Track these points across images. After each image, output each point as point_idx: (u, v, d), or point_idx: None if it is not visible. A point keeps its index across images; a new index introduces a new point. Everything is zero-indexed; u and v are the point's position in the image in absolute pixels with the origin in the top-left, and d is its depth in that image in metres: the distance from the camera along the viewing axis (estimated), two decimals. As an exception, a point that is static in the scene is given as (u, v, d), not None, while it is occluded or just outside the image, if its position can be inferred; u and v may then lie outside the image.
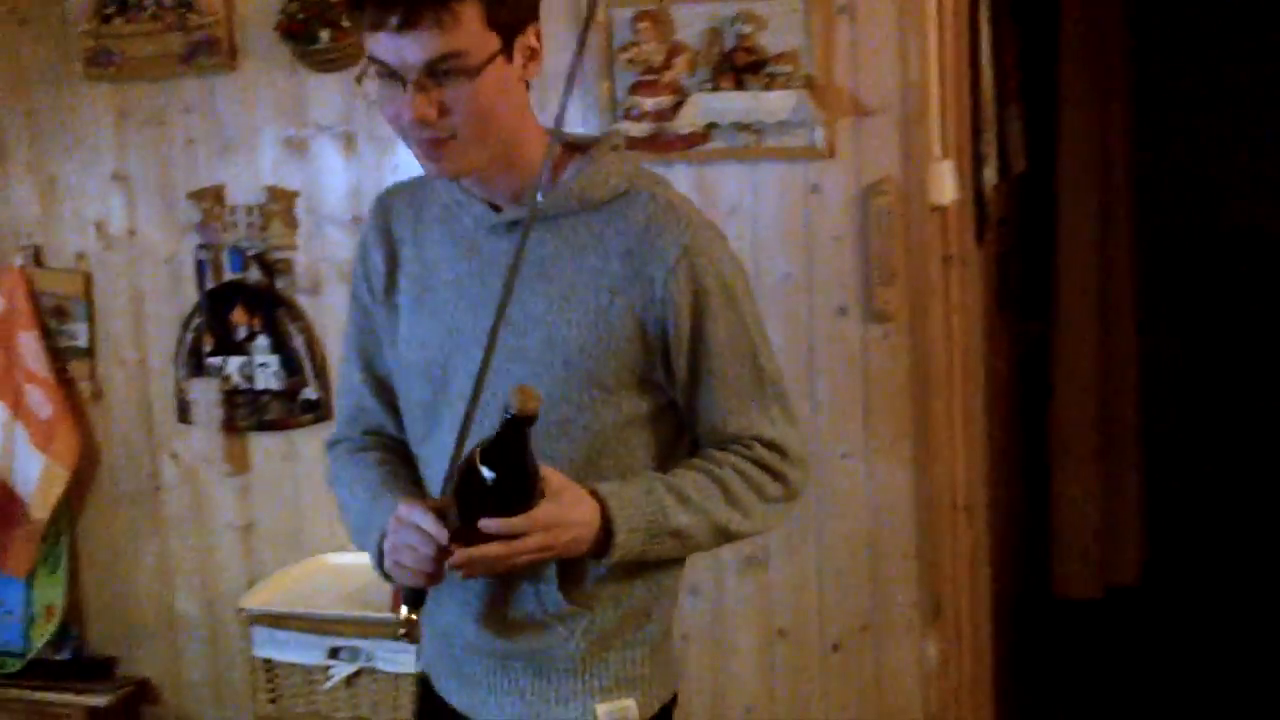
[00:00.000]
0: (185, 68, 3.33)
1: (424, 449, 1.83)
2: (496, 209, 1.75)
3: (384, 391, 1.90)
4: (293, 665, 3.10)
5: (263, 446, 3.47)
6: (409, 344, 1.81)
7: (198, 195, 3.40)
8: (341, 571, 3.35)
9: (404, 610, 1.70)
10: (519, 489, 1.62)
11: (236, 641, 3.32)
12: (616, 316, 1.71)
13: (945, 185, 2.89)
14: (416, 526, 1.63)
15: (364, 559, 3.25)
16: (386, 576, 1.77)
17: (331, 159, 3.31)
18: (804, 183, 3.00)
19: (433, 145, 1.66)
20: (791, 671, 3.21)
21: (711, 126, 3.00)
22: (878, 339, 3.02)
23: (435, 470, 1.76)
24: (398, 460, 1.88)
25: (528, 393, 1.54)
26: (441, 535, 1.62)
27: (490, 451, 1.59)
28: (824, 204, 3.00)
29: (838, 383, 3.06)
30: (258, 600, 3.20)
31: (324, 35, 3.16)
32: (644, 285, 1.70)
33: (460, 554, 1.62)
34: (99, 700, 3.52)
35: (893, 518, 3.09)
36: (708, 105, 2.97)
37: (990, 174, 3.30)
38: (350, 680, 3.05)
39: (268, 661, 3.12)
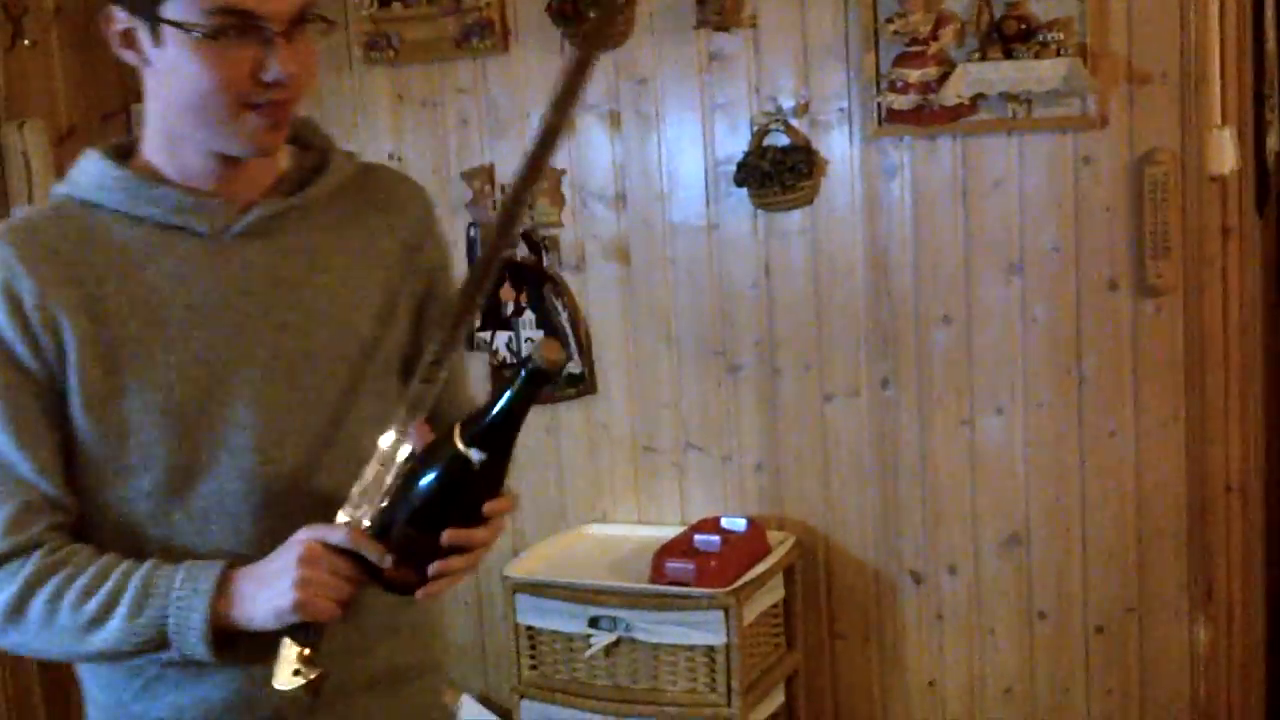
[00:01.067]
0: (459, 50, 3.44)
1: (166, 525, 1.49)
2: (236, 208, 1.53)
3: (68, 476, 1.49)
4: (554, 633, 3.17)
5: (528, 420, 3.54)
6: (138, 395, 1.46)
7: (469, 174, 3.51)
8: (602, 542, 3.42)
9: (296, 654, 1.39)
10: (499, 475, 1.43)
11: (500, 608, 3.41)
12: (396, 293, 1.60)
13: (1225, 154, 2.80)
14: (338, 549, 1.38)
15: (627, 530, 3.39)
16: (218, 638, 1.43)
17: (597, 137, 3.38)
18: (1074, 153, 2.94)
19: (283, 109, 1.46)
20: (1052, 654, 3.15)
21: (979, 98, 2.96)
22: (1149, 314, 2.94)
23: (189, 543, 1.48)
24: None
25: (553, 344, 1.41)
26: (384, 558, 1.39)
27: (488, 426, 1.40)
28: (1095, 175, 2.94)
29: (1106, 358, 3.00)
30: (521, 569, 3.28)
31: (592, 16, 3.23)
32: (410, 254, 1.63)
33: (438, 566, 1.39)
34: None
35: (1162, 498, 3.01)
36: (975, 76, 2.94)
37: (1274, 142, 3.17)
38: (609, 649, 3.10)
39: (530, 629, 3.20)
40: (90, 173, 1.52)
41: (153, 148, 1.51)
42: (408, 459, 1.44)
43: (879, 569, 3.27)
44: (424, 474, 1.40)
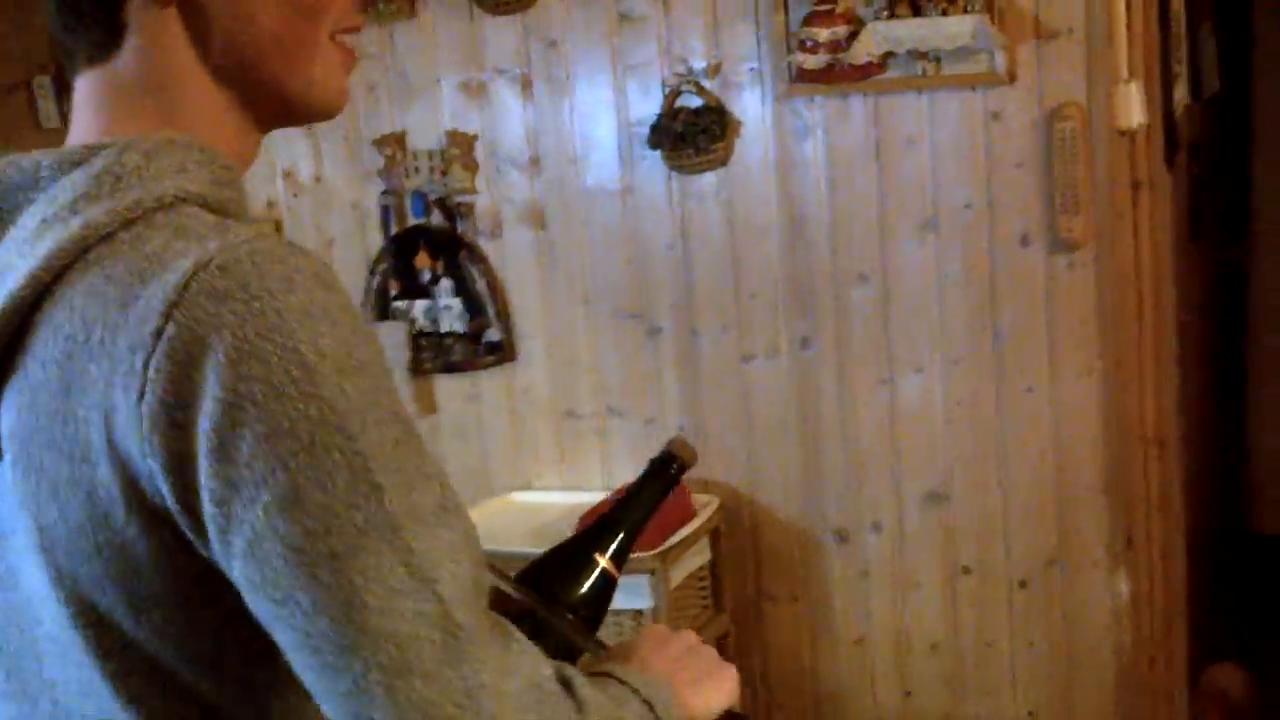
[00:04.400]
0: (366, 16, 3.37)
1: None
2: None
3: None
4: (481, 600, 3.16)
5: (448, 388, 3.54)
6: None
7: (380, 142, 3.46)
8: (527, 510, 3.41)
9: None
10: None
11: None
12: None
13: (1133, 108, 2.80)
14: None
15: (552, 497, 3.37)
16: None
17: (509, 101, 3.34)
18: (984, 110, 2.94)
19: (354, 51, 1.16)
20: (977, 608, 3.17)
21: (888, 55, 2.95)
22: (1063, 268, 2.95)
23: None
24: None
25: (684, 440, 1.43)
26: None
27: (624, 537, 1.35)
28: (1005, 131, 2.93)
29: (1021, 314, 3.00)
30: (446, 537, 3.26)
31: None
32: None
33: None
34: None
35: (1081, 451, 3.03)
36: (884, 33, 2.92)
37: (1181, 95, 3.18)
38: (537, 615, 3.09)
39: (457, 597, 3.19)
40: (215, 164, 1.05)
41: (185, 118, 1.07)
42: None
43: (803, 529, 3.27)
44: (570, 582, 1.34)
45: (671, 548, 3.04)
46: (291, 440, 0.91)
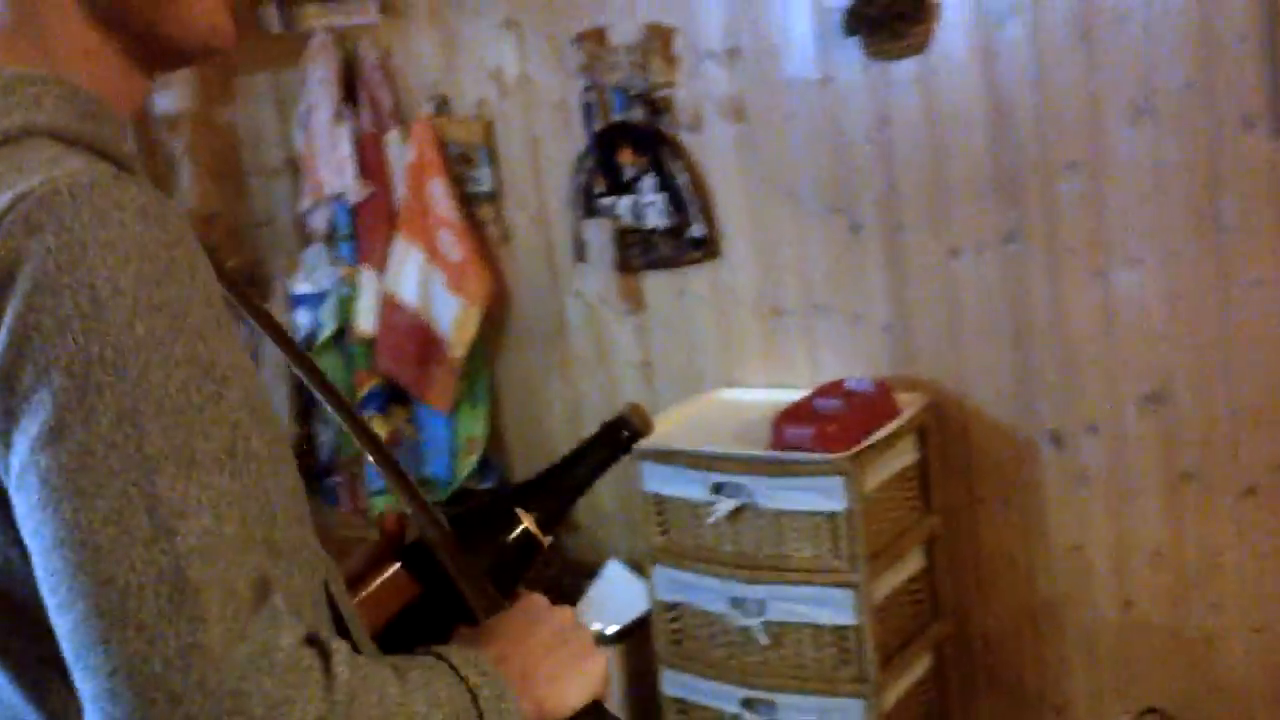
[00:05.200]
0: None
1: None
2: None
3: None
4: (680, 500, 3.15)
5: (656, 284, 3.51)
6: None
7: (581, 37, 3.42)
8: (731, 407, 3.37)
9: None
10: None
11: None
12: None
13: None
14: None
15: (758, 395, 3.32)
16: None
17: (707, -10, 3.25)
18: (1199, -19, 2.70)
19: None
20: (1201, 517, 2.98)
21: (1095, -74, 2.73)
22: (1290, 153, 2.70)
23: None
24: None
25: (641, 407, 1.35)
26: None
27: (558, 500, 1.29)
28: (1223, 2, 2.69)
29: (1245, 201, 2.77)
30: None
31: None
32: None
33: None
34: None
35: (1312, 350, 2.80)
36: (1090, -97, 2.71)
37: None
38: (734, 515, 3.07)
39: (657, 496, 3.19)
40: (78, 99, 1.04)
41: (59, 60, 1.05)
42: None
43: (1015, 430, 3.13)
44: (485, 539, 1.28)
45: (866, 449, 2.96)
46: (65, 375, 0.89)
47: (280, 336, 1.31)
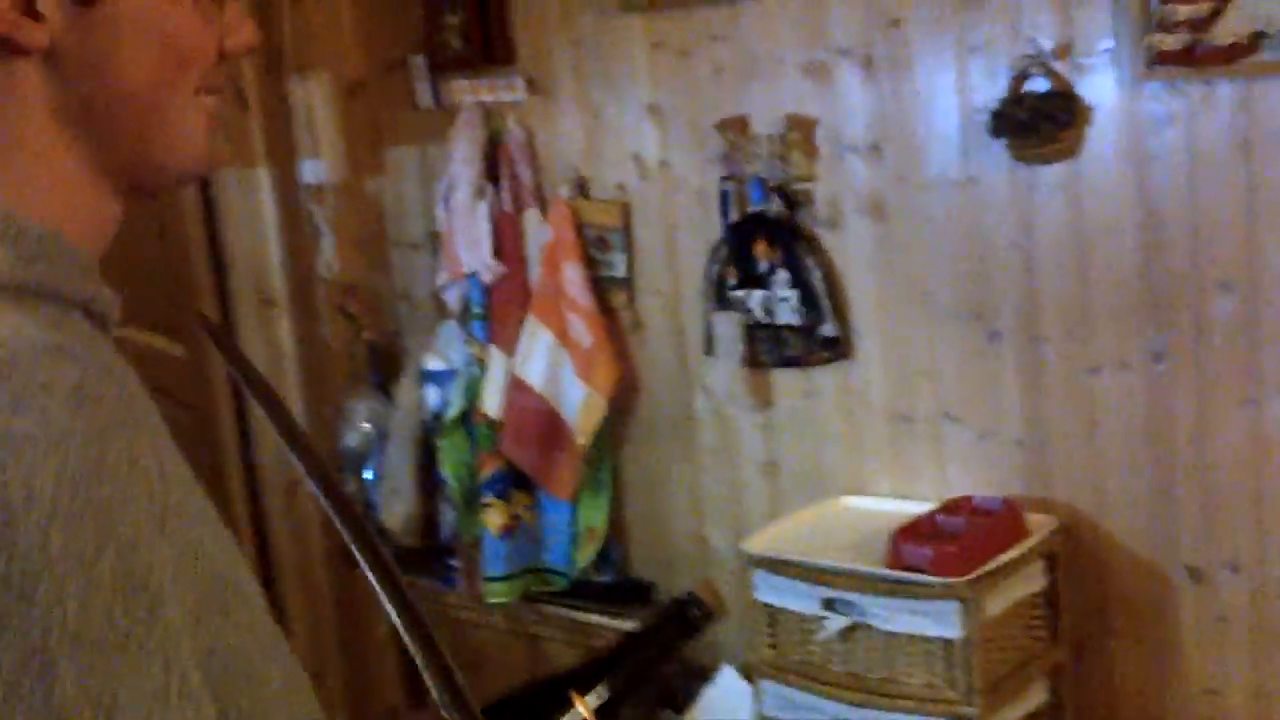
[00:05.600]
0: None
1: None
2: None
3: None
4: (790, 612, 3.02)
5: (784, 383, 3.39)
6: None
7: (723, 125, 3.34)
8: (854, 515, 3.23)
9: None
10: None
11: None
12: None
13: None
14: None
15: (883, 504, 3.17)
16: None
17: (850, 84, 3.14)
18: (1370, 97, 2.51)
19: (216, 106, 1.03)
20: (1354, 670, 2.75)
21: (1259, 36, 2.56)
22: None
23: None
24: None
25: (713, 585, 1.24)
26: None
27: (618, 685, 1.17)
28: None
29: None
30: (762, 542, 3.13)
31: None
32: None
33: None
34: (633, 624, 3.59)
35: None
36: (1255, 10, 2.53)
37: None
38: (845, 634, 2.92)
39: (768, 607, 3.06)
40: (24, 237, 0.91)
41: (26, 184, 0.93)
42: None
43: (1152, 561, 2.93)
44: None
45: (988, 574, 2.79)
46: None
47: (290, 432, 1.21)
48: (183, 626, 0.80)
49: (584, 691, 1.16)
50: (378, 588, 1.08)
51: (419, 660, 1.06)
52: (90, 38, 0.92)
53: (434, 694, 1.06)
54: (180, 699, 0.78)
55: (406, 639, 1.08)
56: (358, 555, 1.08)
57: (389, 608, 1.09)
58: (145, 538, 0.79)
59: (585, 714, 1.15)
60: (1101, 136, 2.81)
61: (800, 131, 3.22)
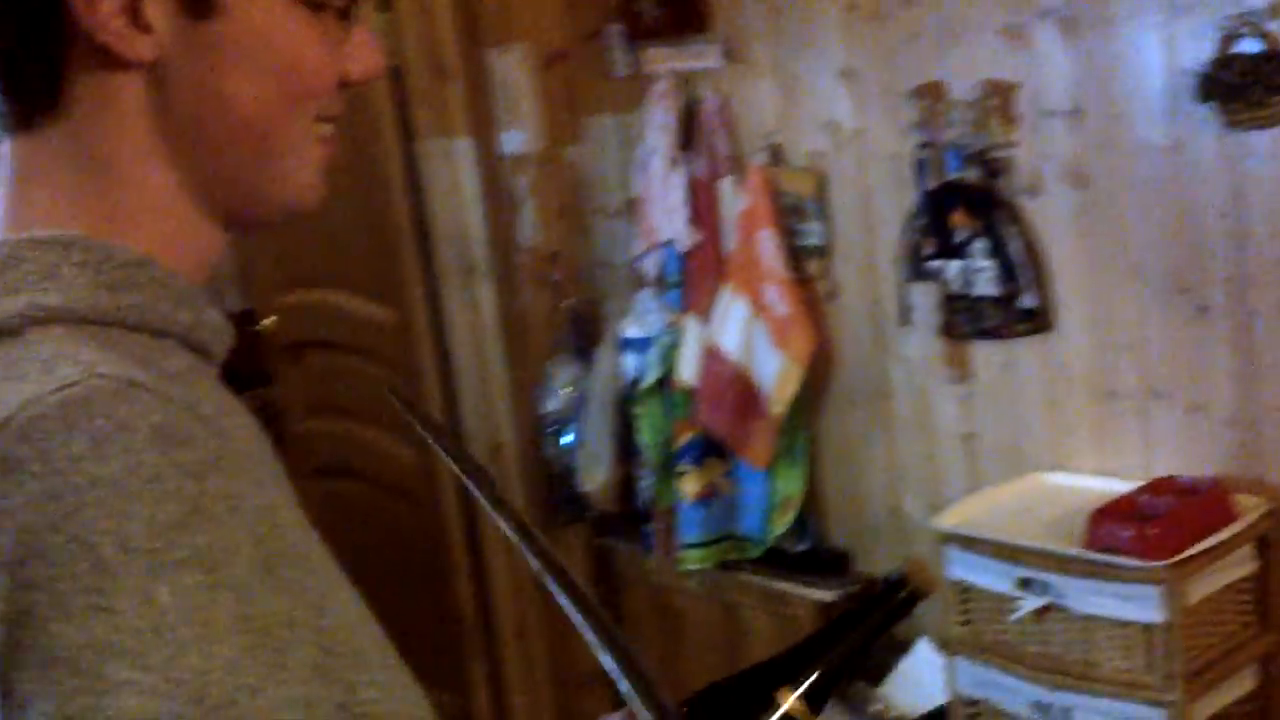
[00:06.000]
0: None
1: None
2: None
3: None
4: (984, 590, 2.96)
5: (982, 354, 3.31)
6: None
7: (919, 91, 3.26)
8: (1054, 492, 3.14)
9: None
10: None
11: (944, 555, 3.22)
12: None
13: None
14: None
15: (1086, 481, 3.08)
16: None
17: (1052, 47, 3.03)
18: None
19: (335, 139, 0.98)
20: None
21: None
22: None
23: None
24: None
25: (923, 563, 1.16)
26: None
27: (825, 675, 1.09)
28: None
29: None
30: (957, 518, 3.07)
31: None
32: None
33: None
34: (828, 594, 3.58)
35: None
36: None
37: None
38: (1039, 614, 2.85)
39: (962, 584, 3.00)
40: (108, 263, 0.86)
41: (126, 210, 0.89)
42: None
43: (1371, 547, 2.79)
44: None
45: (1192, 557, 2.69)
46: (71, 673, 0.68)
47: (449, 446, 1.18)
48: (312, 677, 0.75)
49: (791, 685, 1.09)
50: (578, 619, 1.05)
51: (596, 647, 1.02)
52: (202, 55, 0.86)
53: (630, 702, 1.03)
54: None
55: (596, 640, 1.04)
56: (563, 599, 1.05)
57: (590, 636, 1.05)
58: (257, 580, 0.74)
59: (794, 712, 1.09)
60: (1318, 100, 2.66)
61: (999, 97, 3.12)
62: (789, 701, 1.08)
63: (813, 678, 1.10)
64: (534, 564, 1.07)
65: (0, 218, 0.89)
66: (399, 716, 0.86)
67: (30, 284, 0.82)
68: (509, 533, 1.09)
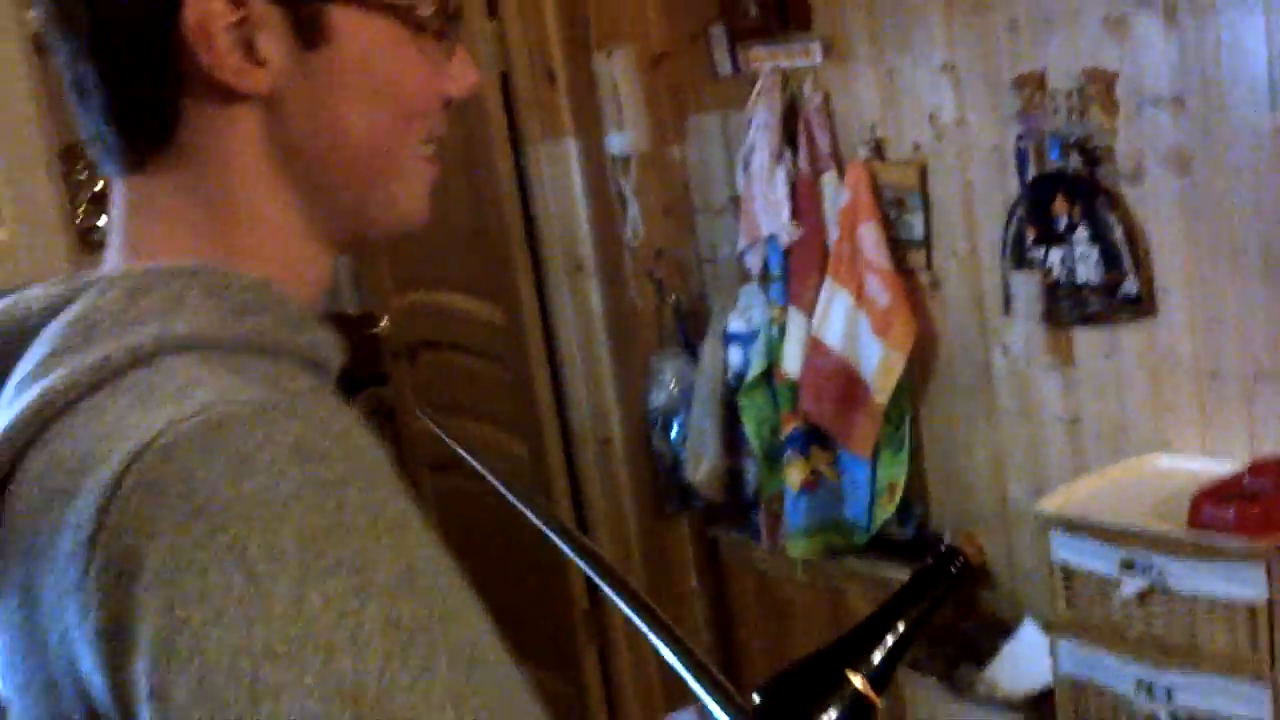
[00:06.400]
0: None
1: None
2: None
3: None
4: (1088, 572, 2.99)
5: (1085, 341, 3.35)
6: None
7: (1019, 81, 3.31)
8: (1160, 475, 3.17)
9: None
10: None
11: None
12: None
13: None
14: None
15: (1191, 463, 3.11)
16: None
17: (1152, 34, 3.07)
18: None
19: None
20: None
21: None
22: None
23: None
24: None
25: (974, 536, 1.24)
26: None
27: (889, 652, 1.16)
28: None
29: None
30: (1061, 501, 3.12)
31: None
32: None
33: None
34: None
35: None
36: None
37: None
38: (1143, 595, 2.89)
39: (1065, 566, 3.04)
40: (230, 290, 0.90)
41: (238, 231, 0.93)
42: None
43: None
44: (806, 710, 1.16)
45: (1298, 534, 2.71)
46: (232, 683, 0.71)
47: (530, 502, 1.27)
48: (461, 675, 0.77)
49: (856, 665, 1.16)
50: (634, 618, 1.13)
51: (662, 650, 1.09)
52: (313, 84, 0.90)
53: (700, 697, 1.09)
54: None
55: (665, 651, 1.11)
56: (618, 600, 1.14)
57: (649, 634, 1.12)
58: (404, 586, 0.76)
59: (863, 689, 1.15)
60: None
61: (1099, 85, 3.16)
62: (857, 681, 1.15)
63: (875, 658, 1.17)
64: (584, 567, 1.15)
65: (117, 254, 0.93)
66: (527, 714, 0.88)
67: (158, 313, 0.85)
68: (560, 544, 1.17)
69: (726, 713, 1.10)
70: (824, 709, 1.14)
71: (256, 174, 0.91)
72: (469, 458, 1.24)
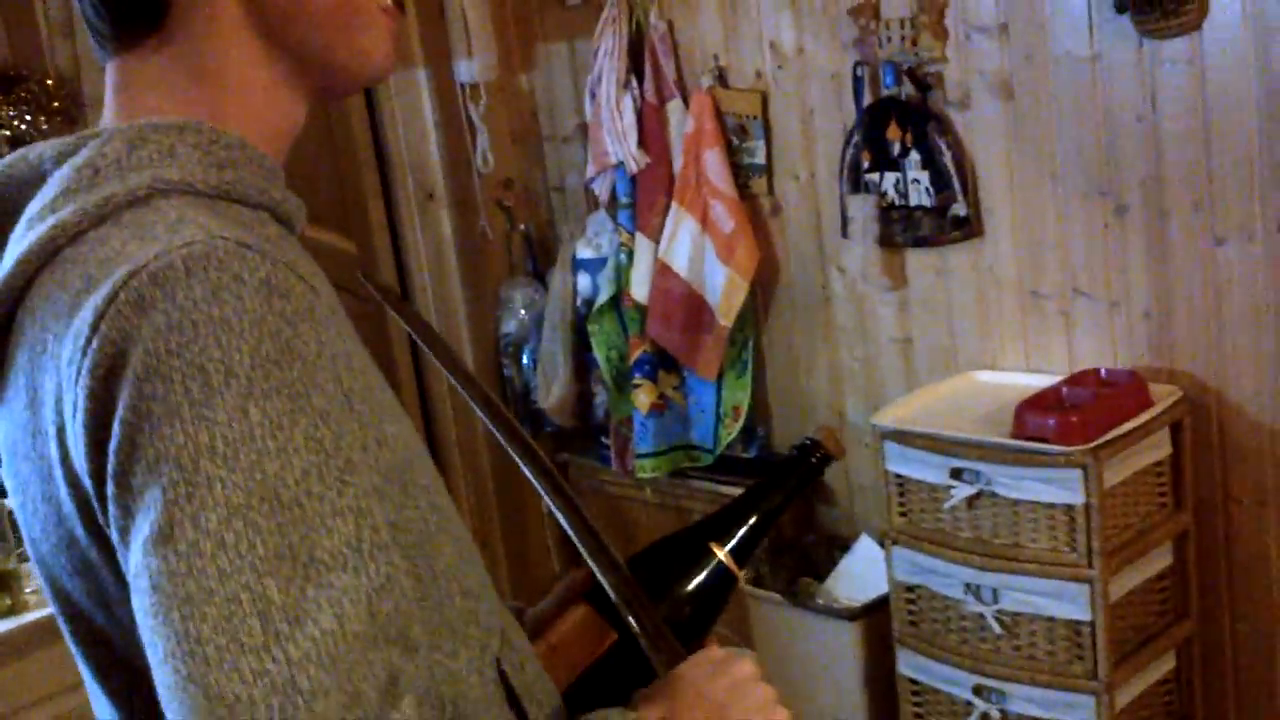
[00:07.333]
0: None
1: None
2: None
3: None
4: (920, 482, 3.13)
5: (917, 262, 3.48)
6: None
7: (855, 11, 3.41)
8: (984, 389, 3.32)
9: None
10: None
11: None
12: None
13: None
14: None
15: (1014, 378, 3.26)
16: None
17: (979, -35, 3.19)
18: None
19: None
20: None
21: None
22: None
23: None
24: None
25: (833, 432, 1.32)
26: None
27: (749, 539, 1.24)
28: None
29: None
30: (894, 415, 3.25)
31: None
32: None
33: None
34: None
35: None
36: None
37: None
38: (971, 501, 3.03)
39: (899, 476, 3.18)
40: (216, 145, 1.03)
41: (219, 88, 1.05)
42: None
43: (1275, 428, 2.98)
44: (681, 580, 1.25)
45: (1111, 441, 2.87)
46: (175, 469, 0.84)
47: (444, 355, 1.35)
48: (370, 492, 0.90)
49: (721, 540, 1.26)
50: (532, 478, 1.24)
51: (567, 526, 1.20)
52: None
53: (583, 553, 1.19)
54: (374, 549, 0.88)
55: (554, 508, 1.22)
56: (522, 464, 1.24)
57: (541, 489, 1.23)
58: (334, 411, 0.89)
59: (726, 560, 1.24)
60: (1224, 8, 2.83)
61: (930, 14, 3.28)
62: (721, 554, 1.24)
63: (739, 534, 1.27)
64: (492, 429, 1.25)
65: (114, 119, 1.05)
66: (439, 536, 1.02)
67: (153, 161, 0.98)
68: (474, 406, 1.31)
69: (609, 575, 1.18)
70: (690, 577, 1.23)
71: (237, 41, 1.04)
72: (400, 316, 1.37)
